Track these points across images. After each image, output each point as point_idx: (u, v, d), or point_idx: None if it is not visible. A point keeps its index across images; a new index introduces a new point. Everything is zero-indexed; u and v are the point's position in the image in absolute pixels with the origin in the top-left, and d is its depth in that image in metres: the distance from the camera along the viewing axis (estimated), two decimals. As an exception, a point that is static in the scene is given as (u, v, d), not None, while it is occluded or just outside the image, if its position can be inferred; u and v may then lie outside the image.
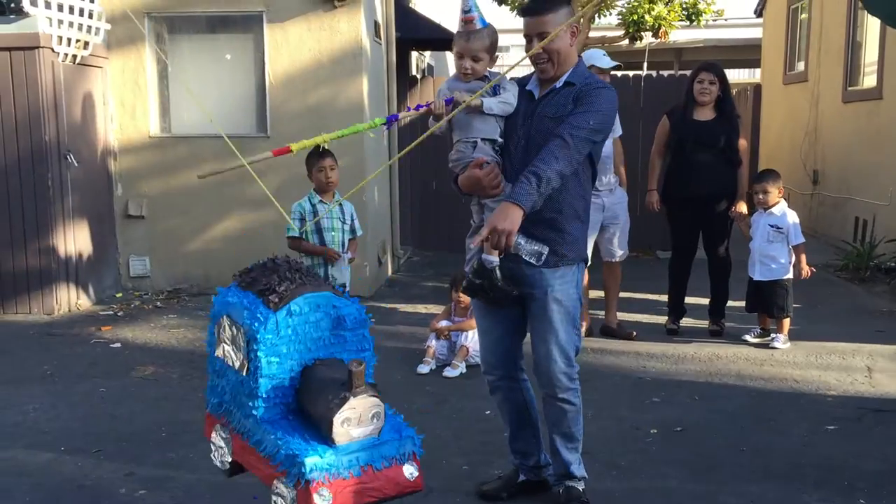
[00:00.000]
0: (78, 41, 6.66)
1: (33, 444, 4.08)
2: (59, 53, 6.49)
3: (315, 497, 2.29)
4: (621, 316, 6.14)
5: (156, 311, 6.85)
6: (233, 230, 7.31)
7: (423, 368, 5.22)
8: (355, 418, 2.33)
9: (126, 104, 7.33)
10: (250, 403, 2.44)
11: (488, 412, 4.49)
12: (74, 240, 6.78)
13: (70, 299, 6.77)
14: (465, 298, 5.41)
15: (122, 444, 4.07)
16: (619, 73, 8.73)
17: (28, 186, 6.51)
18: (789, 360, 5.44)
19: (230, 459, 2.63)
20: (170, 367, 5.31)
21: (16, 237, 6.56)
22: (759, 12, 13.99)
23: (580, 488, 3.30)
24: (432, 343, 5.36)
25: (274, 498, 2.42)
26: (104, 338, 6.03)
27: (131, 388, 4.93)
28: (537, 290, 3.10)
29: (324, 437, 2.35)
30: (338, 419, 2.30)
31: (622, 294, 6.21)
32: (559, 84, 3.08)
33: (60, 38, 6.46)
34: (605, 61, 5.65)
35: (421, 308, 6.89)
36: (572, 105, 2.99)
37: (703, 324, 6.08)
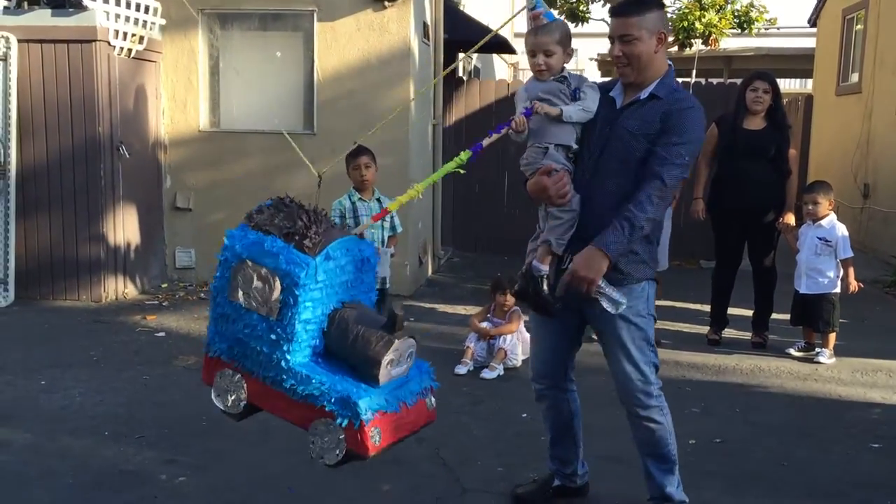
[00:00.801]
0: (134, 35, 6.80)
1: (78, 427, 4.18)
2: (115, 47, 6.64)
3: (369, 436, 2.38)
4: (663, 325, 6.07)
5: (200, 302, 6.96)
6: (277, 225, 7.39)
7: (461, 369, 5.22)
8: (397, 359, 2.44)
9: (177, 98, 7.46)
10: (284, 347, 2.44)
11: (525, 415, 4.48)
12: (123, 230, 6.92)
13: (117, 288, 6.91)
14: (509, 301, 5.41)
15: (163, 432, 4.15)
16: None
17: (81, 177, 6.66)
18: (834, 375, 5.34)
19: (245, 402, 2.64)
20: (212, 358, 5.38)
21: (67, 226, 6.72)
22: (812, 22, 13.75)
23: None
24: (471, 344, 5.36)
25: (312, 438, 2.46)
26: (149, 327, 6.15)
27: (174, 377, 5.02)
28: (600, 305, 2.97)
29: (364, 377, 2.42)
30: (385, 360, 2.39)
31: (664, 302, 6.16)
32: (644, 95, 2.93)
33: (117, 32, 6.60)
34: None
35: (460, 309, 6.90)
36: (659, 125, 2.85)
37: (746, 335, 6.00)
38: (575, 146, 2.98)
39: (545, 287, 2.96)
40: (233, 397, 2.66)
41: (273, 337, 2.45)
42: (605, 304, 2.86)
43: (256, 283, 2.47)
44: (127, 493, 3.50)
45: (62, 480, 3.58)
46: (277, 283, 2.42)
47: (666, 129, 2.86)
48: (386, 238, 5.11)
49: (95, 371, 5.10)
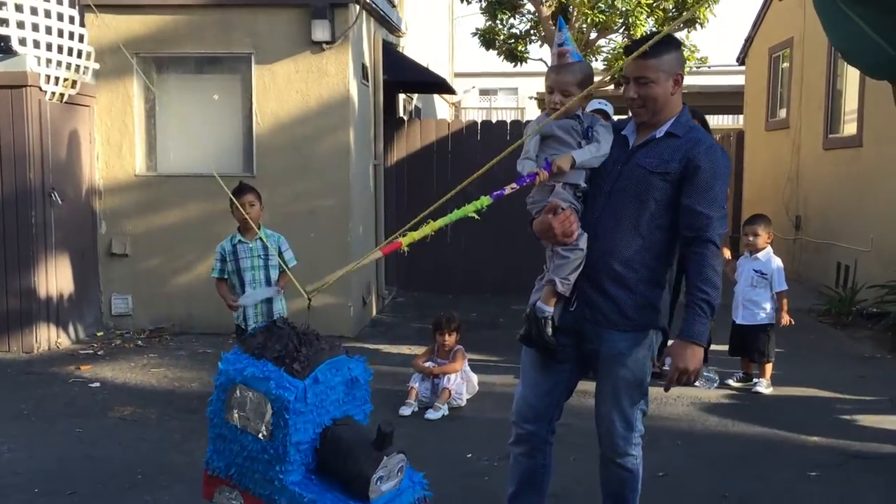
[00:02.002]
0: (66, 80, 6.69)
1: (6, 485, 4.01)
2: (46, 92, 6.51)
3: None
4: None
5: (136, 350, 6.79)
6: (217, 269, 7.28)
7: (405, 410, 5.17)
8: (386, 475, 2.47)
9: (112, 143, 7.34)
10: (277, 468, 2.49)
11: (470, 455, 4.46)
12: (56, 278, 6.74)
13: (50, 337, 6.70)
14: (449, 340, 5.40)
15: (96, 486, 4.00)
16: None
17: (11, 224, 6.48)
18: (771, 404, 5.43)
19: None
20: (148, 408, 5.24)
21: (-3, 274, 6.51)
22: (741, 60, 14.25)
23: None
24: (415, 385, 5.33)
25: None
26: (83, 377, 5.96)
27: (109, 429, 4.86)
28: (604, 348, 2.91)
29: (354, 493, 2.45)
30: (374, 478, 2.42)
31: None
32: (659, 133, 2.87)
33: (49, 76, 6.49)
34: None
35: (405, 349, 6.86)
36: (679, 166, 2.79)
37: (687, 368, 6.07)
38: (584, 185, 2.89)
39: (549, 329, 2.87)
40: None
41: (267, 457, 2.50)
42: (700, 383, 2.83)
43: (250, 406, 2.54)
44: (57, 553, 3.37)
45: (-12, 543, 3.43)
46: (269, 407, 2.48)
47: (693, 176, 2.79)
48: (271, 276, 5.08)
49: (26, 425, 4.91)
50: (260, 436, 2.52)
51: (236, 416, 2.58)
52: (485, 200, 2.80)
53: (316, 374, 2.51)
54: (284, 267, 4.96)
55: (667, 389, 2.84)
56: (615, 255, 2.85)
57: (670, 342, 2.84)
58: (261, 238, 5.05)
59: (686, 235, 2.82)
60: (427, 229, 2.77)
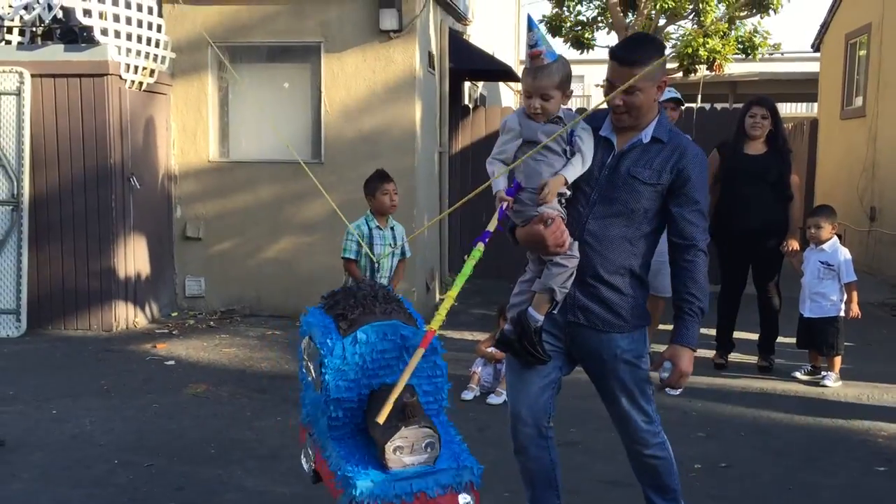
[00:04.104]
0: (144, 69, 6.93)
1: (88, 455, 4.23)
2: (126, 80, 6.77)
3: None
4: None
5: (209, 330, 7.03)
6: (286, 253, 7.48)
7: (468, 395, 5.25)
8: (408, 447, 2.44)
9: (188, 130, 7.58)
10: (322, 420, 2.58)
11: (531, 441, 4.50)
12: (134, 260, 7.01)
13: (128, 317, 6.98)
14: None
15: (173, 459, 4.19)
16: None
17: (92, 208, 6.76)
18: (840, 398, 5.34)
19: (314, 467, 2.76)
20: (221, 386, 5.44)
21: (78, 256, 6.81)
22: (816, 46, 13.86)
23: None
24: (478, 369, 5.40)
25: None
26: (159, 355, 6.21)
27: (183, 405, 5.07)
28: (605, 352, 2.92)
29: (379, 461, 2.46)
30: (389, 447, 2.42)
31: (670, 327, 6.16)
32: (645, 139, 2.85)
33: (128, 65, 6.74)
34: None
35: (467, 335, 6.94)
36: (670, 176, 2.80)
37: (752, 359, 6.01)
38: (568, 193, 2.82)
39: (537, 338, 2.84)
40: (308, 458, 2.81)
41: (320, 408, 2.59)
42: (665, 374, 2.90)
43: (311, 357, 2.66)
44: (137, 520, 3.55)
45: (73, 508, 3.63)
46: (317, 360, 2.57)
47: (683, 186, 2.83)
48: (395, 264, 5.14)
49: (106, 400, 5.15)
50: (316, 386, 2.60)
51: (307, 365, 2.71)
52: (479, 250, 2.85)
53: (355, 335, 2.52)
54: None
55: (661, 389, 2.84)
56: (606, 262, 2.85)
57: (667, 347, 2.90)
58: (392, 228, 5.10)
59: (678, 243, 2.86)
60: (447, 304, 2.80)
